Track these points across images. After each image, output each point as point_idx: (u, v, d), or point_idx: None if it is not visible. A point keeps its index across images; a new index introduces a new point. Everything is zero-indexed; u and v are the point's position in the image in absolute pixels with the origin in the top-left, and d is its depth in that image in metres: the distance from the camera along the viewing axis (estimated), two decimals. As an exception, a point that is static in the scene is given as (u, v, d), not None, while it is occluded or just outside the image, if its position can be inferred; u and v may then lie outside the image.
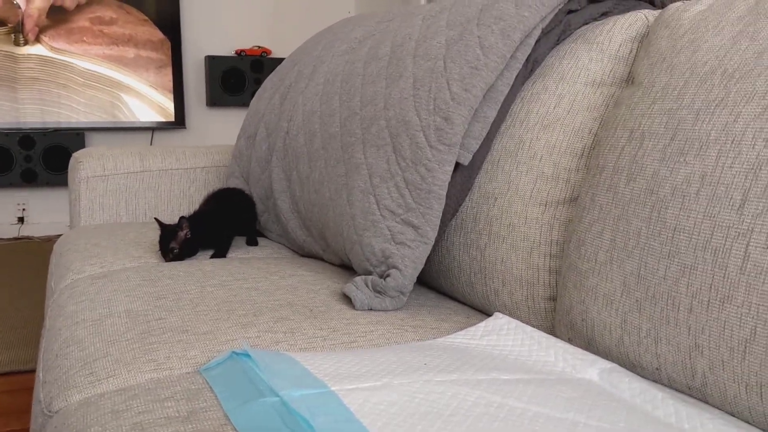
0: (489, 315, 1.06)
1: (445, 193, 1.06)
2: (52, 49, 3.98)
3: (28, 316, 2.51)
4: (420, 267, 1.07)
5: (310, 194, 1.36)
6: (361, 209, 1.13)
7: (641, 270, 0.78)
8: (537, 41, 1.09)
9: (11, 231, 4.05)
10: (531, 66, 1.11)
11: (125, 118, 4.15)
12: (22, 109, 3.94)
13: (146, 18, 4.16)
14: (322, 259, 1.42)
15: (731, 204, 0.70)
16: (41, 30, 3.94)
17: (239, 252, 1.49)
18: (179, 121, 4.27)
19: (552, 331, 0.96)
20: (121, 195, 1.92)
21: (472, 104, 1.05)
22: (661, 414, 0.70)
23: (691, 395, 0.74)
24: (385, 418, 0.64)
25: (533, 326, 0.98)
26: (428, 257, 1.12)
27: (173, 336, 0.91)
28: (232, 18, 4.44)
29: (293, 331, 0.93)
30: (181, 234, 1.36)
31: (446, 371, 0.76)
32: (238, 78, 4.30)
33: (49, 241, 3.88)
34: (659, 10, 1.00)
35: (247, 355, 0.79)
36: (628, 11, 1.09)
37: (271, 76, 1.82)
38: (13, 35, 3.91)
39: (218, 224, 1.48)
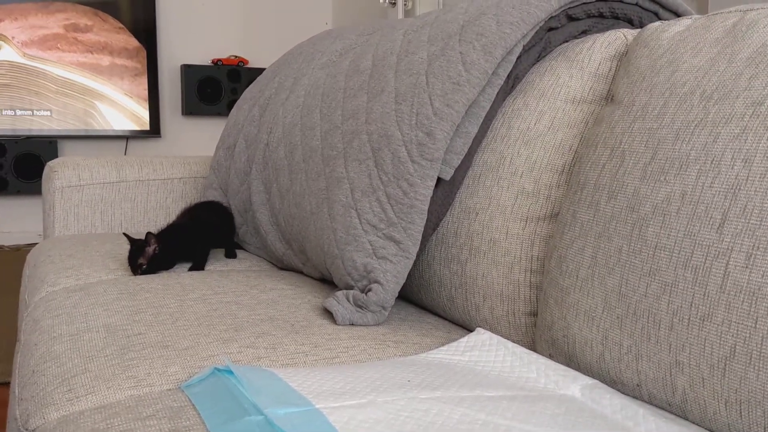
0: (470, 330, 1.06)
1: (427, 208, 1.06)
2: (25, 55, 3.92)
3: (-2, 328, 2.46)
4: (402, 282, 1.07)
5: (290, 207, 1.36)
6: (342, 223, 1.13)
7: (622, 287, 0.79)
8: (518, 58, 1.10)
9: (-20, 240, 3.97)
10: (512, 82, 1.12)
11: (99, 126, 4.10)
12: (-7, 116, 3.88)
13: (122, 26, 4.12)
14: (301, 273, 1.41)
15: (711, 223, 0.71)
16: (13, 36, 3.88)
17: (218, 264, 1.48)
18: (154, 129, 4.23)
19: (533, 346, 0.96)
20: (97, 205, 1.89)
21: (454, 120, 1.06)
22: (642, 430, 0.70)
23: (671, 412, 0.75)
24: (371, 437, 0.64)
25: (514, 341, 0.99)
26: (409, 271, 1.12)
27: (153, 351, 0.90)
28: (208, 27, 4.42)
29: (275, 346, 0.92)
30: (149, 249, 1.35)
31: (430, 388, 0.76)
32: (214, 87, 4.27)
33: (19, 251, 3.81)
34: (638, 30, 1.02)
35: (230, 372, 0.78)
36: (608, 29, 1.11)
37: (250, 87, 1.82)
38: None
39: (193, 237, 1.47)
